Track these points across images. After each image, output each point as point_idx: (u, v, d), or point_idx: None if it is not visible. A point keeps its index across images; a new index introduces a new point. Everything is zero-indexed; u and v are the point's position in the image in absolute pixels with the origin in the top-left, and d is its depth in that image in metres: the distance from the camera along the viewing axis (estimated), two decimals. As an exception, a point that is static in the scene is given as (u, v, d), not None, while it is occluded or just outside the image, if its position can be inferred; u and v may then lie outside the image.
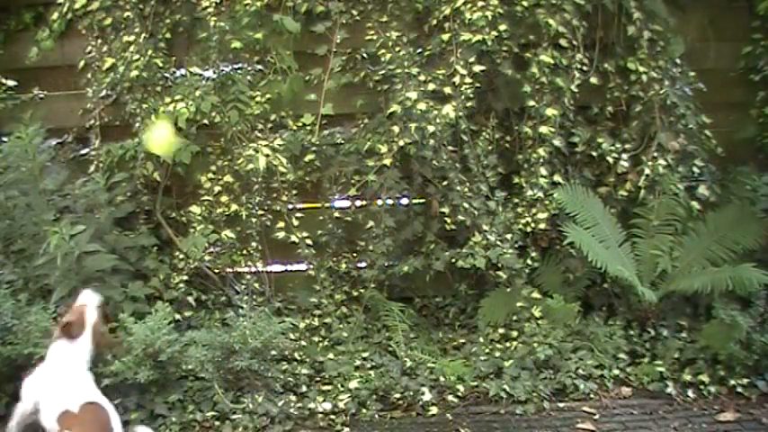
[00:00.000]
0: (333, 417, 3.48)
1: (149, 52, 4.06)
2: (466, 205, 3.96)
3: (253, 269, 4.29)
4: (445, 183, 4.07)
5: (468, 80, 3.91)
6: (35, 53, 4.23)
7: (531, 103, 4.02)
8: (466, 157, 4.05)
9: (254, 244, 4.18)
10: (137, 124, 4.09)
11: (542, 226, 4.04)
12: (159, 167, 4.15)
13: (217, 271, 4.27)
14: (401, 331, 4.05)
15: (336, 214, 4.32)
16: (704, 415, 3.46)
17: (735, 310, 3.75)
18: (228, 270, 4.31)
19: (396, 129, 4.03)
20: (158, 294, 3.96)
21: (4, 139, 4.07)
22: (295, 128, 4.26)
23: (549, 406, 3.56)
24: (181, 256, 4.08)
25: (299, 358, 3.85)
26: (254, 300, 4.14)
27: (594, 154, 4.19)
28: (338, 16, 4.17)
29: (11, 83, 4.29)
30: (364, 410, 3.52)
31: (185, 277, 4.06)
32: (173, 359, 3.45)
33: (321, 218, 4.33)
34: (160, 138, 3.89)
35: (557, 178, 4.11)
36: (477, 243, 3.95)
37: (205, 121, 4.05)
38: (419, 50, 4.15)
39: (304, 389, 3.66)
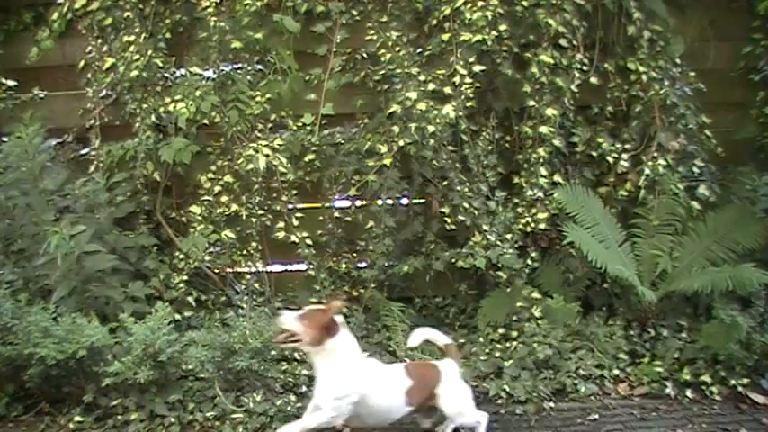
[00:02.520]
0: (333, 417, 3.48)
1: (149, 52, 4.07)
2: (466, 205, 3.97)
3: (253, 269, 4.29)
4: (445, 183, 4.07)
5: (468, 80, 3.92)
6: (35, 53, 4.23)
7: (531, 103, 4.03)
8: (466, 157, 4.05)
9: (254, 244, 4.18)
10: (137, 124, 4.09)
11: (542, 226, 4.04)
12: (159, 167, 4.15)
13: (217, 271, 4.27)
14: (401, 331, 4.05)
15: (336, 214, 4.32)
16: (704, 415, 3.45)
17: (735, 310, 3.75)
18: (228, 270, 4.31)
19: (396, 129, 4.04)
20: (158, 294, 3.97)
21: (4, 139, 4.07)
22: (295, 128, 4.26)
23: (548, 406, 3.56)
24: (181, 256, 4.08)
25: (298, 358, 3.84)
26: (254, 300, 4.14)
27: (594, 154, 4.19)
28: (338, 16, 4.18)
29: (11, 83, 4.29)
30: (364, 410, 3.52)
31: (185, 277, 4.07)
32: (173, 359, 3.45)
33: (321, 218, 4.34)
34: None
35: (557, 178, 4.11)
36: (477, 243, 3.95)
37: (205, 121, 4.05)
38: (419, 50, 4.16)
39: (304, 389, 3.65)
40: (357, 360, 2.92)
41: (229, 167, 4.15)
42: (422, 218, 4.29)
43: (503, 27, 3.91)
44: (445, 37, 4.00)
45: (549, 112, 3.99)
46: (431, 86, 3.96)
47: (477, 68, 3.93)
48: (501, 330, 4.00)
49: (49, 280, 3.71)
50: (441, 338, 3.17)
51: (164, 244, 4.23)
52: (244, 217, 4.13)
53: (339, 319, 2.89)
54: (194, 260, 4.05)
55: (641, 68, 4.06)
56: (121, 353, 3.46)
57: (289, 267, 4.50)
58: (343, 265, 4.34)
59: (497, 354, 3.84)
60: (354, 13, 4.20)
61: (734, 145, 4.32)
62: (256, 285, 4.23)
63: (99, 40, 4.21)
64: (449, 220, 4.12)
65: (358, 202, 4.32)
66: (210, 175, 4.19)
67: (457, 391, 3.07)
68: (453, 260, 4.06)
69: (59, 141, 4.31)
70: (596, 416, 3.47)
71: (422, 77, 3.97)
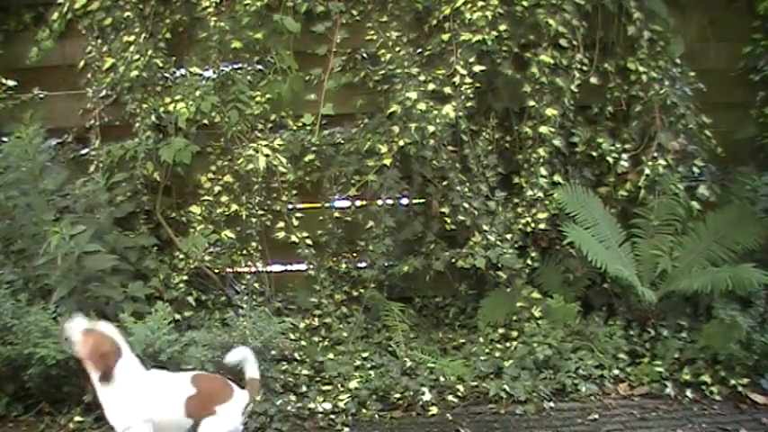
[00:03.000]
0: (333, 417, 3.48)
1: (149, 52, 4.07)
2: (466, 205, 3.97)
3: (253, 269, 4.29)
4: (445, 183, 4.07)
5: (468, 80, 3.92)
6: (35, 53, 4.23)
7: (531, 103, 4.03)
8: (466, 157, 4.05)
9: (254, 244, 4.18)
10: (137, 124, 4.09)
11: (542, 226, 4.04)
12: (159, 167, 4.15)
13: (217, 271, 4.27)
14: (401, 331, 4.06)
15: (336, 214, 4.32)
16: (704, 415, 3.45)
17: (735, 310, 3.75)
18: (228, 270, 4.31)
19: (396, 129, 4.04)
20: (158, 294, 3.96)
21: (4, 139, 4.07)
22: (295, 128, 4.26)
23: (548, 406, 3.56)
24: (181, 256, 4.08)
25: (298, 358, 3.85)
26: (254, 300, 4.14)
27: (594, 154, 4.19)
28: (338, 16, 4.18)
29: (11, 83, 4.29)
30: (364, 410, 3.52)
31: (185, 277, 4.07)
32: (173, 359, 3.44)
33: (321, 218, 4.34)
34: None
35: (557, 178, 4.11)
36: (477, 243, 3.95)
37: (205, 121, 4.05)
38: (419, 50, 4.16)
39: (304, 389, 3.66)
40: (137, 384, 2.81)
41: (229, 167, 4.15)
42: (422, 218, 4.29)
43: (503, 27, 3.91)
44: (445, 37, 4.00)
45: (549, 112, 3.99)
46: (431, 86, 3.96)
47: (477, 68, 3.94)
48: (501, 330, 4.00)
49: (49, 280, 3.71)
50: (250, 370, 2.97)
51: (164, 244, 4.23)
52: (244, 217, 4.13)
53: (121, 342, 2.80)
54: (194, 260, 4.05)
55: (641, 68, 4.06)
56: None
57: (289, 267, 4.50)
58: (343, 265, 4.34)
59: (497, 354, 3.84)
60: (354, 13, 4.21)
61: (734, 145, 4.33)
62: (256, 285, 4.23)
63: (99, 40, 4.21)
64: (449, 220, 4.12)
65: (358, 202, 4.32)
66: (210, 175, 4.19)
67: (229, 421, 2.87)
68: (453, 260, 4.06)
69: (59, 141, 4.31)
70: (596, 416, 3.47)
71: (422, 77, 3.97)
